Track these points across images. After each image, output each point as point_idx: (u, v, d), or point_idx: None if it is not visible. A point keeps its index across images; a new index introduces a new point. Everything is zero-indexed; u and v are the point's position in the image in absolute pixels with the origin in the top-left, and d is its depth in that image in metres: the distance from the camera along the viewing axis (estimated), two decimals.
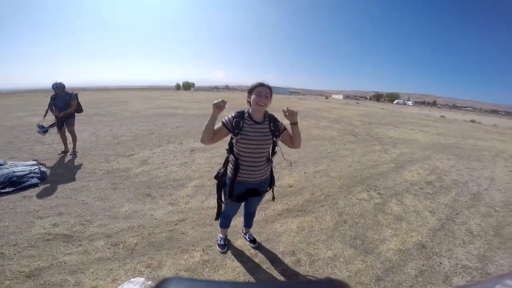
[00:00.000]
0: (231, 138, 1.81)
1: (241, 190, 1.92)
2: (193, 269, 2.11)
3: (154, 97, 24.05)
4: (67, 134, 4.99)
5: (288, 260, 2.28)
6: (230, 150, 1.87)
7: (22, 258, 2.14)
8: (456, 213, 3.46)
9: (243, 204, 2.22)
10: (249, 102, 1.83)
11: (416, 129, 11.98)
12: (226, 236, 2.44)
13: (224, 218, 2.25)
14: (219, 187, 2.02)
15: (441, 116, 25.86)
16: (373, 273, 2.20)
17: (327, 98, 67.04)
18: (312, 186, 4.04)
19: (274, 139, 1.87)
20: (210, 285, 0.31)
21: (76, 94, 4.98)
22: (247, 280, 2.04)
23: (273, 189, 2.11)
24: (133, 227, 2.66)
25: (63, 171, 4.10)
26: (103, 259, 2.18)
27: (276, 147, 1.94)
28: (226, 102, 1.71)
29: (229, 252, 2.34)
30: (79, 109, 5.11)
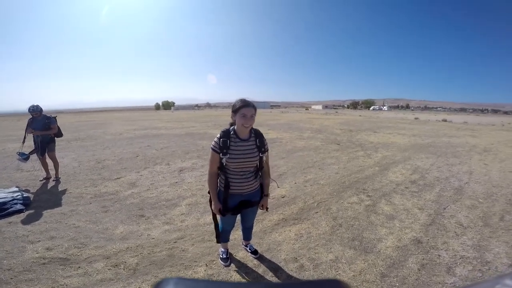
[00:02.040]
0: (221, 158, 1.84)
1: (234, 202, 1.95)
2: None
3: (134, 118, 23.64)
4: (48, 161, 4.79)
5: (291, 267, 2.30)
6: (220, 168, 1.89)
7: (20, 282, 2.06)
8: (444, 207, 3.63)
9: (239, 218, 2.23)
10: (234, 121, 1.85)
11: (394, 133, 12.55)
12: (228, 250, 2.43)
13: (222, 233, 2.25)
14: (211, 202, 2.00)
15: (415, 118, 27.27)
16: (376, 270, 2.26)
17: (307, 109, 68.88)
18: (304, 194, 4.11)
19: (260, 155, 1.91)
20: (210, 285, 0.31)
21: (55, 117, 4.83)
22: None
23: (265, 198, 2.08)
24: (131, 247, 2.59)
25: (48, 197, 3.93)
26: (106, 280, 2.12)
27: (263, 162, 1.98)
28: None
29: (232, 264, 2.32)
30: (59, 134, 4.92)
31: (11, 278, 2.10)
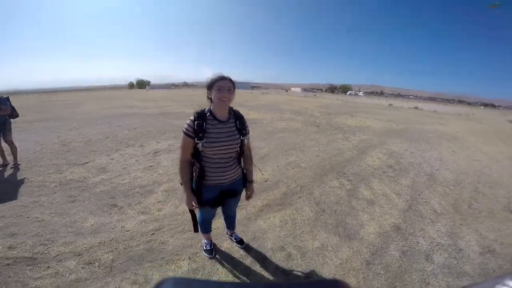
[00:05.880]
0: (196, 143, 1.61)
1: (215, 194, 1.77)
2: None
3: (107, 97, 22.17)
4: (5, 146, 4.27)
5: (279, 256, 2.25)
6: (194, 155, 1.67)
7: None
8: (418, 193, 3.76)
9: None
10: (209, 98, 1.64)
11: (370, 117, 12.90)
12: (211, 240, 2.30)
13: (202, 223, 2.10)
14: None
15: (389, 105, 28.37)
16: (361, 258, 2.28)
17: (287, 91, 69.11)
18: (286, 178, 4.06)
19: (242, 138, 1.73)
20: (209, 285, 0.30)
21: (7, 98, 4.28)
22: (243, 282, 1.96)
23: (251, 185, 1.96)
24: (104, 242, 2.37)
25: (5, 187, 3.50)
26: (81, 280, 1.92)
27: (244, 146, 1.80)
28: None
29: (217, 256, 2.21)
30: (13, 114, 4.36)
31: None
